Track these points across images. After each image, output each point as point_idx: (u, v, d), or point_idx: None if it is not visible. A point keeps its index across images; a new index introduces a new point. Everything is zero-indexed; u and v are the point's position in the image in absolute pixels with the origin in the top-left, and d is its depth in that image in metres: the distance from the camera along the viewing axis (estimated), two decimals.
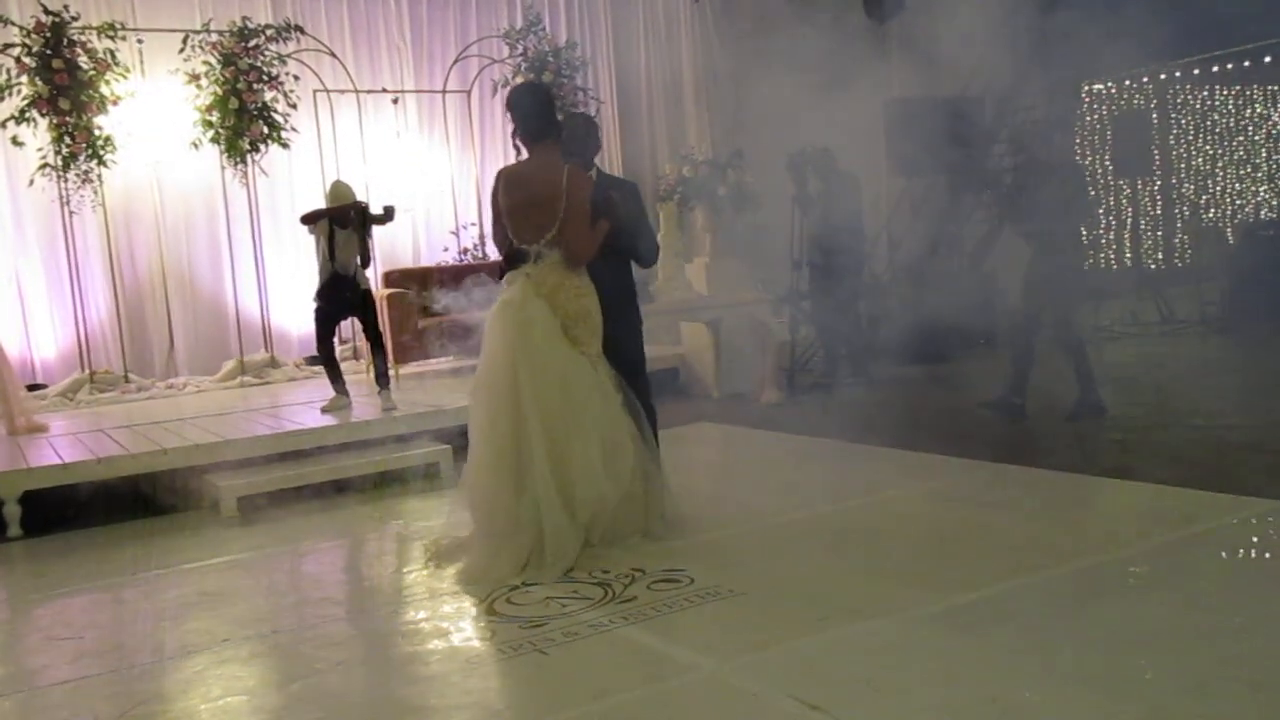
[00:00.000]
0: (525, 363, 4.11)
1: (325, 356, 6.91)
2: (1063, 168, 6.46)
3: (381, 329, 7.08)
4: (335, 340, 7.10)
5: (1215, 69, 14.57)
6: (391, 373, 8.41)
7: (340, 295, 6.66)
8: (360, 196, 7.13)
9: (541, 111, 4.36)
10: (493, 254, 9.98)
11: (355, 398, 6.84)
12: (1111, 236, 15.32)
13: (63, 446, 6.04)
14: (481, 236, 10.03)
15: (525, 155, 4.42)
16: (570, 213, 4.21)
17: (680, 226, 10.12)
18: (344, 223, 6.57)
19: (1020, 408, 6.46)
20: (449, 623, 3.65)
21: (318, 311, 6.77)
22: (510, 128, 4.44)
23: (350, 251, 6.61)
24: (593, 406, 4.16)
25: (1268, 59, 13.85)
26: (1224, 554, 3.86)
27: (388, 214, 6.66)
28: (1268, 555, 3.94)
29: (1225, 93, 15.85)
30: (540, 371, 4.11)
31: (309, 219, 6.75)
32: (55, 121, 7.96)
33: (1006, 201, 6.53)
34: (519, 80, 9.68)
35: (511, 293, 4.26)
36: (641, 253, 4.71)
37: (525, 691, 3.10)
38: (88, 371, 8.50)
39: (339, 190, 6.77)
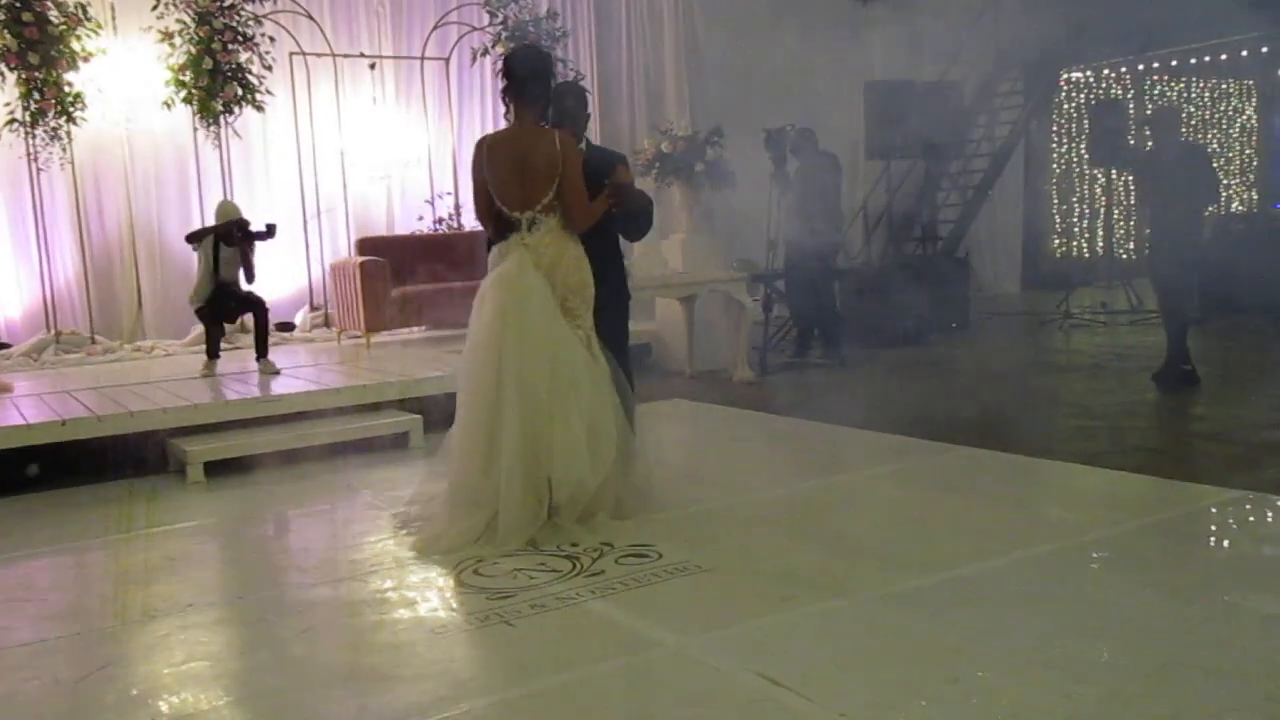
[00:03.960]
0: (515, 339, 4.06)
1: (212, 329, 7.13)
2: (1192, 149, 6.71)
3: (269, 330, 7.30)
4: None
5: (1193, 61, 14.66)
6: (363, 340, 8.37)
7: (225, 305, 7.05)
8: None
9: (540, 73, 4.31)
10: (468, 225, 9.90)
11: (325, 366, 6.80)
12: (1084, 225, 15.45)
13: (27, 407, 5.96)
14: (457, 206, 9.95)
15: (507, 122, 4.37)
16: (567, 180, 4.16)
17: (657, 202, 10.07)
18: (229, 240, 6.87)
19: (1189, 374, 6.67)
20: (415, 592, 3.65)
21: (200, 314, 7.08)
22: (502, 85, 4.36)
23: (233, 266, 6.96)
24: (581, 388, 4.10)
25: (1244, 53, 13.97)
26: (1185, 542, 3.91)
27: (269, 231, 6.98)
28: (1226, 544, 4.01)
29: (1201, 85, 15.97)
30: (530, 349, 4.06)
31: (194, 237, 7.09)
32: (24, 77, 7.80)
33: (1144, 180, 6.86)
34: (499, 49, 9.59)
35: (508, 265, 4.19)
36: (637, 227, 4.66)
37: (490, 662, 3.10)
38: (53, 332, 8.39)
39: (226, 209, 7.12)
